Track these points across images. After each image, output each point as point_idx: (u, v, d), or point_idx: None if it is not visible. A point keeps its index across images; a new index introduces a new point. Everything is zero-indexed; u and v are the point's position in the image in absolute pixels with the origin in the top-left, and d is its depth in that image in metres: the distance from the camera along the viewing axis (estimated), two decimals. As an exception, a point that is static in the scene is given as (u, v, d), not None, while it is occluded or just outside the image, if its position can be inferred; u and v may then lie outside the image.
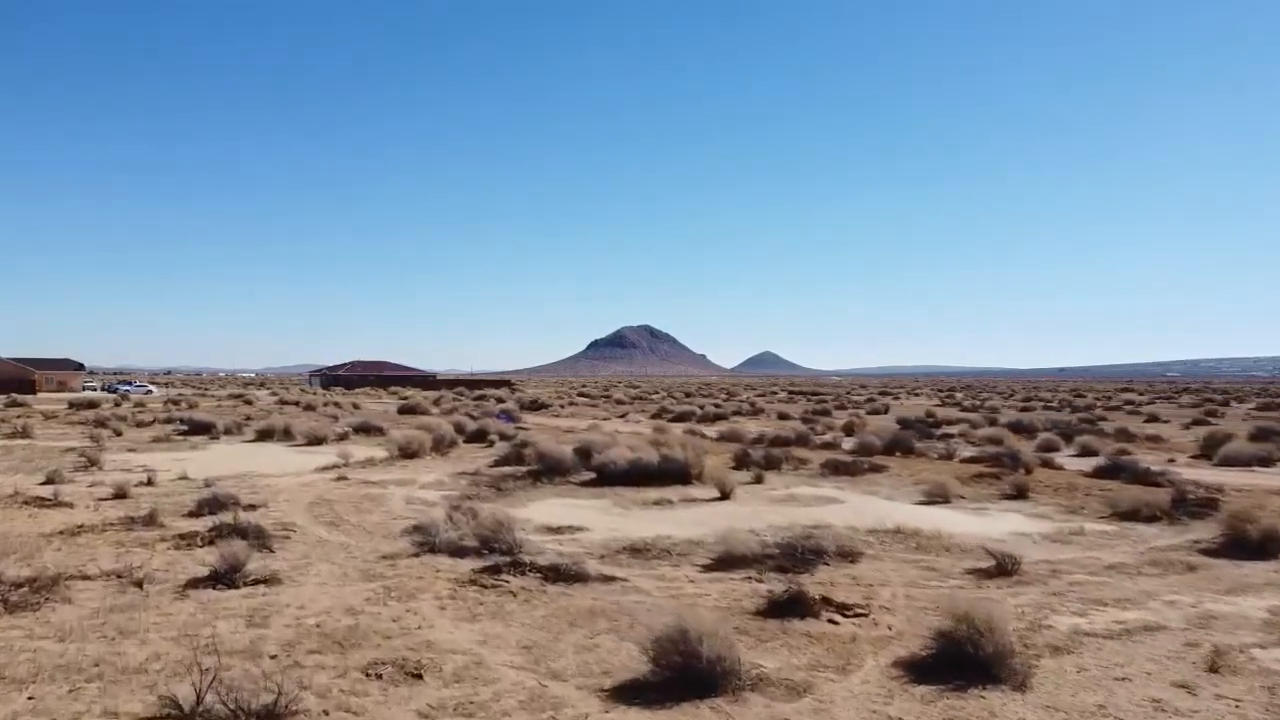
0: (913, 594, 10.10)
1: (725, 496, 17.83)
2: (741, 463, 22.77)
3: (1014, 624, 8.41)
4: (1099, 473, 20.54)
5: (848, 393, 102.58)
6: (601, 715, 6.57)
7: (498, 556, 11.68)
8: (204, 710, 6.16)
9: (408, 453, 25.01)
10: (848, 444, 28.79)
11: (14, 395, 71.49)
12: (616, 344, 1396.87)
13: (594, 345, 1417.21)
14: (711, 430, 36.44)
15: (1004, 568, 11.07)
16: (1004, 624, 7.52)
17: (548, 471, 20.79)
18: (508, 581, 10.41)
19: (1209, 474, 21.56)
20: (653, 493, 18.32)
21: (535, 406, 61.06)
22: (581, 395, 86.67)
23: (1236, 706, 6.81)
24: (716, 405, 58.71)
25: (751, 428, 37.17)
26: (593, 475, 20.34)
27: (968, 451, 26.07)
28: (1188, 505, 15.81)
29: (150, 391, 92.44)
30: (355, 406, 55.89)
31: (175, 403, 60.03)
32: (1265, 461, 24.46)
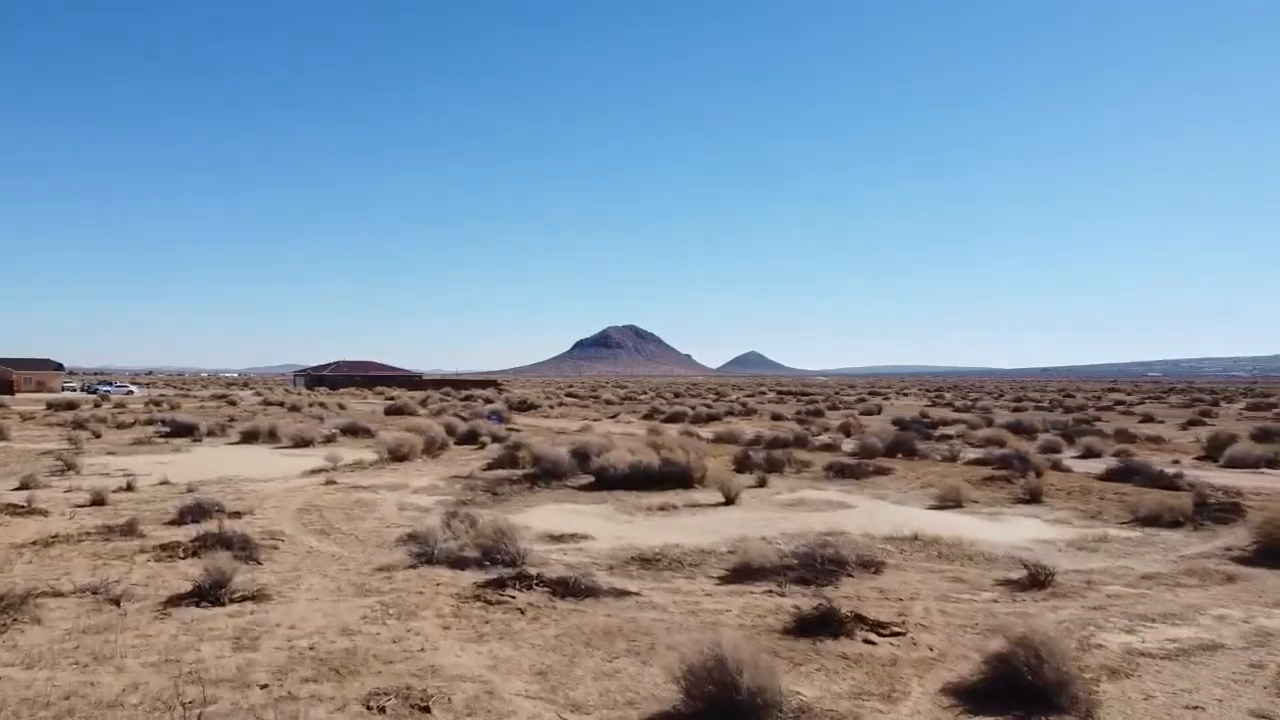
0: (947, 609, 9.48)
1: (731, 501, 17.19)
2: (743, 465, 22.15)
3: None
4: (1110, 475, 20.03)
5: (836, 393, 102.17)
6: (632, 754, 5.92)
7: (501, 568, 11.01)
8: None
9: (398, 455, 24.27)
10: (848, 446, 28.23)
11: (-9, 396, 70.00)
12: (602, 344, 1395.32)
13: (579, 345, 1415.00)
14: (706, 431, 35.81)
15: (1037, 579, 10.47)
16: (1065, 647, 6.90)
17: (544, 475, 20.12)
18: (514, 597, 9.73)
19: (1217, 476, 21.10)
20: (655, 497, 17.68)
21: (524, 407, 60.27)
22: (570, 395, 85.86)
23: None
24: (708, 406, 58.08)
25: (747, 429, 36.55)
26: (591, 479, 19.69)
27: (971, 453, 25.52)
28: (1210, 510, 15.29)
29: (131, 392, 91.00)
30: (341, 407, 54.95)
31: (157, 403, 58.89)
32: (1272, 463, 24.01)
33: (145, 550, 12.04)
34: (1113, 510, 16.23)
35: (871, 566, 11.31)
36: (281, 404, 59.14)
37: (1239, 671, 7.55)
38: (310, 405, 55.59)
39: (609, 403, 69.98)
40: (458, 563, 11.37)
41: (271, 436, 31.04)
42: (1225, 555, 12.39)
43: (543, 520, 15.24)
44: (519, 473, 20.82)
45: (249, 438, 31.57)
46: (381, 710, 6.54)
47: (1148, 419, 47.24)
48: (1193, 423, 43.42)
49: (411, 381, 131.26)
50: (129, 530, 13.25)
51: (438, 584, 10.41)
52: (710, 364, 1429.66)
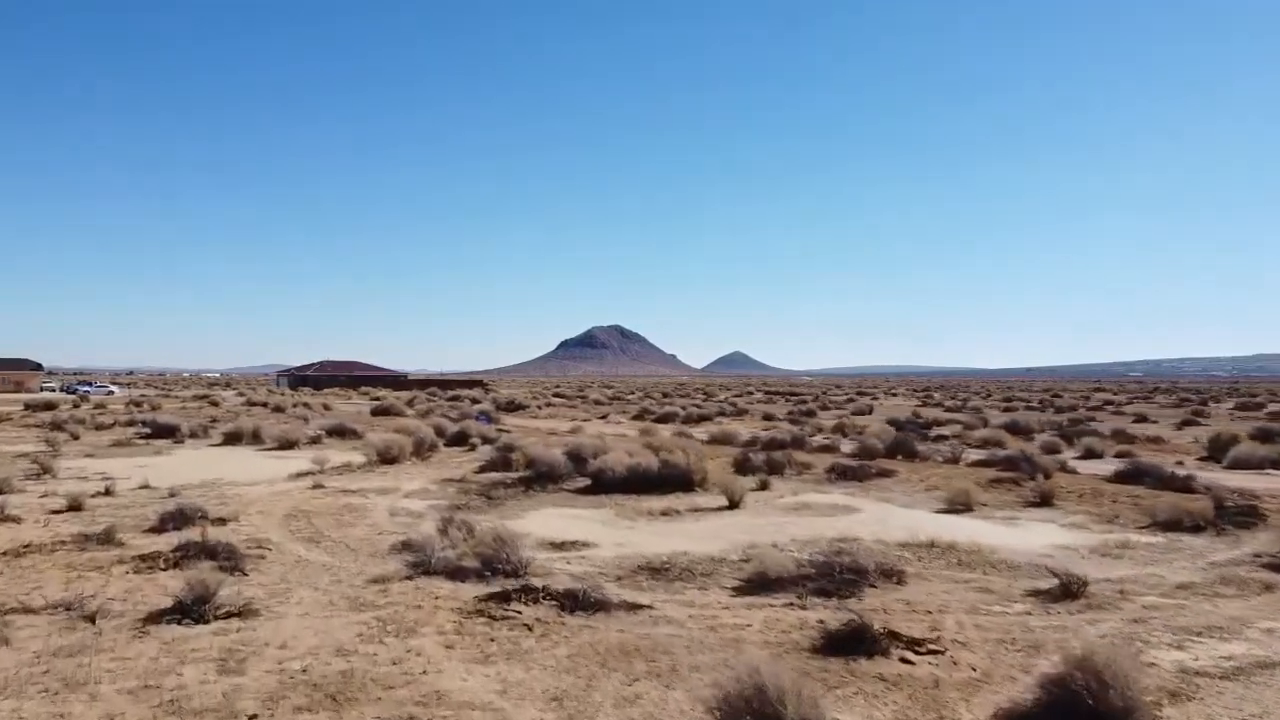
0: (980, 623, 8.93)
1: (734, 505, 16.62)
2: (742, 467, 21.60)
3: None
4: (1120, 478, 19.57)
5: (824, 393, 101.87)
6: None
7: (503, 579, 10.39)
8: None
9: (387, 458, 23.57)
10: (846, 447, 27.73)
11: (-33, 396, 68.60)
12: (587, 344, 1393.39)
13: (564, 345, 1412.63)
14: (699, 432, 35.23)
15: (1069, 589, 9.95)
16: (1130, 669, 6.35)
17: (540, 478, 19.50)
18: (520, 612, 9.10)
19: (1224, 478, 20.67)
20: (656, 501, 17.09)
21: (512, 407, 59.54)
22: (557, 396, 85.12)
23: None
24: (698, 406, 57.50)
25: (741, 430, 35.99)
26: (588, 482, 19.08)
27: (972, 455, 25.05)
28: (1229, 514, 14.85)
29: (111, 392, 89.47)
30: (326, 408, 54.04)
31: (138, 404, 57.73)
32: (1277, 464, 23.68)
33: (123, 561, 11.34)
34: (1129, 514, 15.75)
35: (893, 576, 10.75)
36: (265, 404, 58.14)
37: (1305, 693, 7.04)
38: (294, 406, 54.62)
39: (597, 403, 69.33)
40: (457, 573, 10.75)
41: (255, 438, 30.25)
42: (1255, 562, 11.91)
43: (542, 526, 14.61)
44: (513, 476, 20.17)
45: (232, 439, 30.77)
46: (384, 745, 5.92)
47: (1141, 419, 47.04)
48: (1187, 423, 43.22)
49: (397, 381, 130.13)
50: (107, 539, 12.53)
51: (437, 597, 9.78)
52: (695, 364, 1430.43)
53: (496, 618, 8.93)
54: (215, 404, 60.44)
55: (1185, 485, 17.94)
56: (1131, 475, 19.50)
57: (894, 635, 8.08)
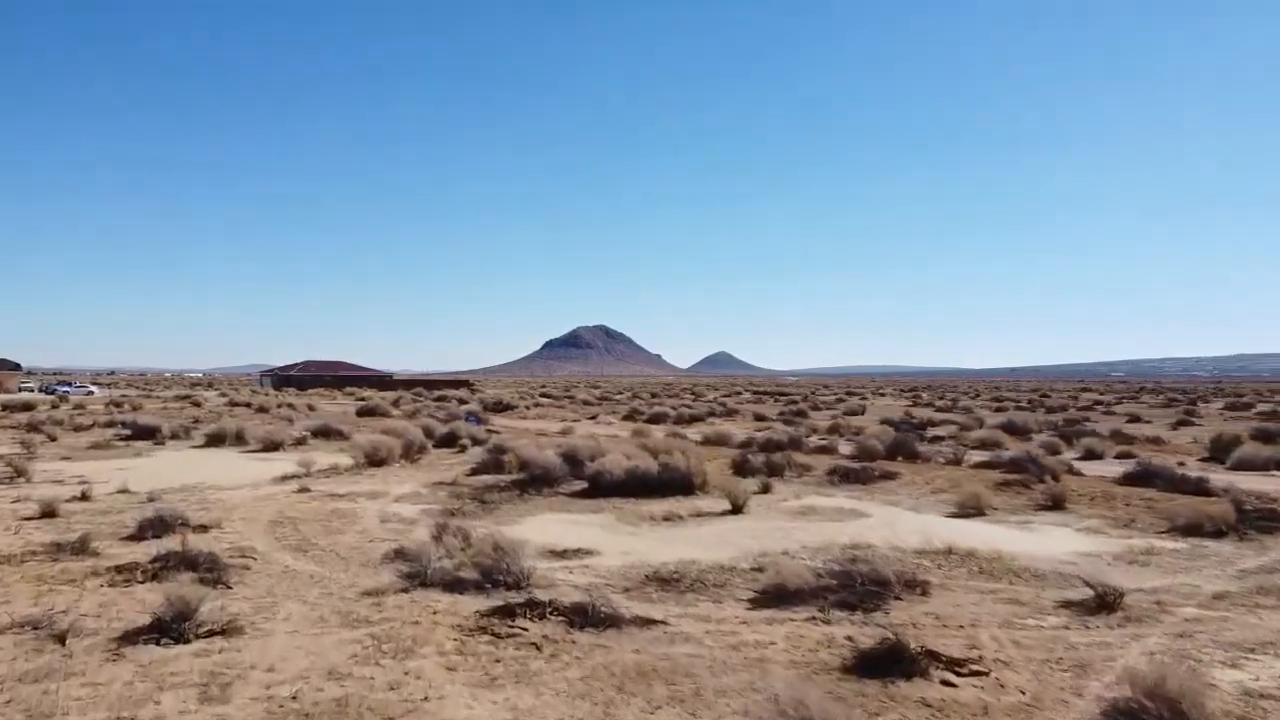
0: (1018, 639, 8.37)
1: (738, 509, 16.04)
2: (741, 469, 21.06)
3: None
4: (1129, 480, 19.11)
5: (814, 393, 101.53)
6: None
7: (505, 591, 9.78)
8: None
9: (375, 460, 22.88)
10: (845, 448, 27.21)
11: (-58, 396, 67.27)
12: (572, 344, 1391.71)
13: (549, 345, 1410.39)
14: (691, 433, 34.66)
15: (1105, 601, 9.43)
16: (1203, 697, 5.81)
17: (534, 481, 18.86)
18: (526, 628, 8.48)
19: (1232, 479, 20.25)
20: (656, 505, 16.48)
21: (500, 408, 58.78)
22: (544, 396, 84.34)
23: None
24: (688, 406, 56.92)
25: (734, 430, 35.42)
26: (585, 485, 18.47)
27: (974, 456, 24.59)
28: (1250, 519, 14.40)
29: (91, 392, 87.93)
30: (311, 408, 53.08)
31: (118, 405, 56.58)
32: (1282, 465, 23.32)
33: (98, 572, 10.63)
34: (1145, 518, 15.28)
35: (916, 587, 10.20)
36: (248, 405, 57.11)
37: (1381, 717, 6.52)
38: (278, 406, 53.64)
39: (585, 403, 68.66)
40: (454, 585, 10.12)
41: (239, 439, 29.43)
42: (1288, 569, 11.44)
43: (540, 532, 13.99)
44: (507, 479, 19.53)
45: (215, 441, 29.91)
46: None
47: (1134, 419, 46.80)
48: (1181, 423, 43.01)
49: (382, 382, 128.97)
50: (81, 548, 11.82)
51: (435, 611, 9.15)
52: (680, 364, 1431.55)
53: (501, 635, 8.30)
54: (197, 404, 59.34)
55: (1198, 488, 17.48)
56: (1141, 477, 19.04)
57: (932, 654, 7.51)
